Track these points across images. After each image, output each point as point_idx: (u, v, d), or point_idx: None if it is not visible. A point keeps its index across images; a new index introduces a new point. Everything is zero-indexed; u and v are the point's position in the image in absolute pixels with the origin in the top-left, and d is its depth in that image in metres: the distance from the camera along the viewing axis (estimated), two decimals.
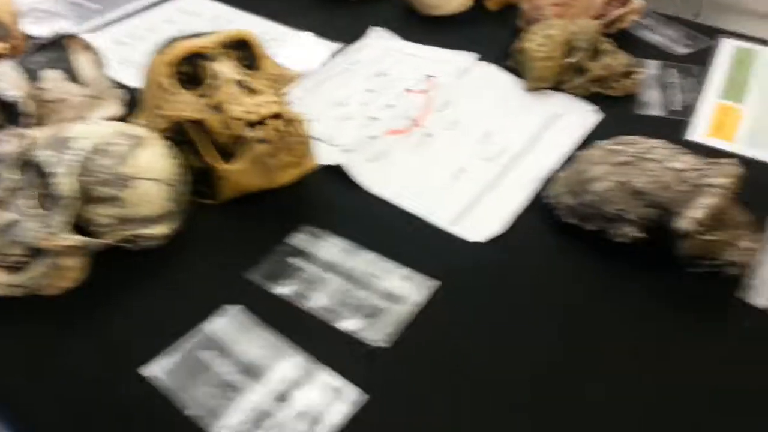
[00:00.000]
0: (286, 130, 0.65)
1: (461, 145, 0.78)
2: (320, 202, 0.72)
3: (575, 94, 0.87)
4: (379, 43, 0.97)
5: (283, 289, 0.62)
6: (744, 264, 0.60)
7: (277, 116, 0.65)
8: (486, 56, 0.93)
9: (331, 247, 0.66)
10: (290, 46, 0.97)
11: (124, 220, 0.61)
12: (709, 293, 0.61)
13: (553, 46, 0.85)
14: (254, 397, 0.53)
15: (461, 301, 0.61)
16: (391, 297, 0.61)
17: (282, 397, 0.53)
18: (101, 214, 0.60)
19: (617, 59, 0.86)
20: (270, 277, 0.63)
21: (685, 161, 0.59)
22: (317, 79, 0.90)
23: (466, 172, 0.75)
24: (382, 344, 0.57)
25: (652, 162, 0.60)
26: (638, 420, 0.51)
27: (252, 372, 0.55)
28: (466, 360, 0.56)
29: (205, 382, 0.54)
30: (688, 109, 0.84)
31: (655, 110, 0.84)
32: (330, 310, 0.60)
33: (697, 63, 0.93)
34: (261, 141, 0.64)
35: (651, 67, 0.91)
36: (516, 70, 0.90)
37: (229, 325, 0.58)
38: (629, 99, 0.86)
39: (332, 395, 0.53)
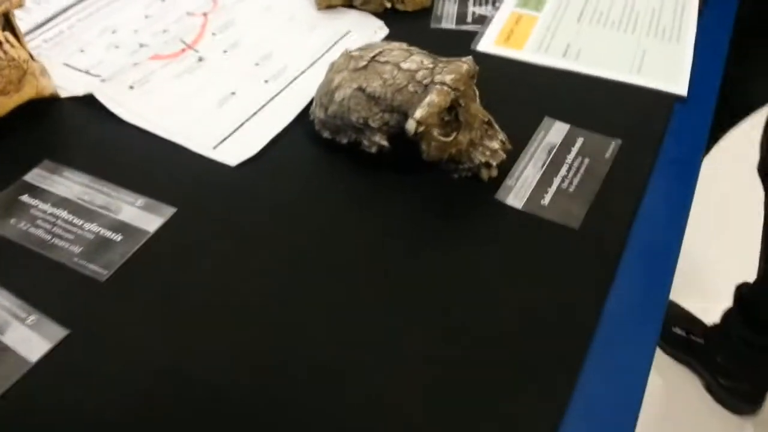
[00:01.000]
0: None
1: (236, 68, 0.73)
2: (66, 135, 0.66)
3: (368, 11, 0.83)
4: None
5: (6, 229, 0.56)
6: (494, 164, 0.58)
7: None
8: None
9: (68, 183, 0.60)
10: None
11: None
12: (469, 197, 0.59)
13: None
14: None
15: (196, 227, 0.57)
16: (123, 228, 0.56)
17: None
18: None
19: None
20: None
21: (417, 61, 0.56)
22: (92, 7, 0.83)
23: (236, 95, 0.70)
24: (97, 277, 0.52)
25: (387, 65, 0.56)
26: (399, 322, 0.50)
27: None
28: (185, 290, 0.52)
29: None
30: (482, 20, 0.82)
31: (447, 23, 0.82)
32: (49, 245, 0.55)
33: None
34: None
35: None
36: None
37: None
38: (425, 13, 0.83)
39: (31, 331, 0.49)
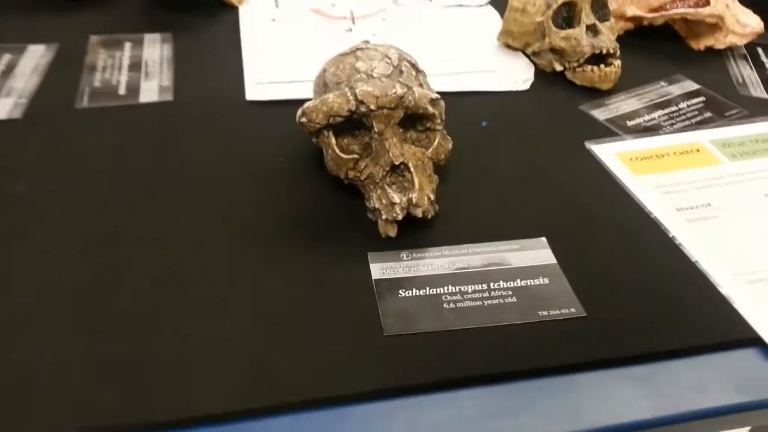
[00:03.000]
0: None
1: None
2: None
3: (536, 63, 0.71)
4: None
5: None
6: (387, 219, 0.45)
7: None
8: None
9: None
10: None
11: None
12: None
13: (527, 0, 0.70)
14: None
15: None
16: None
17: None
18: None
19: (599, 38, 0.66)
20: None
21: (380, 64, 0.46)
22: None
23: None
24: None
25: (356, 58, 0.48)
26: None
27: None
28: None
29: None
30: None
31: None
32: None
33: None
34: None
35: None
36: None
37: None
38: (586, 92, 0.67)
39: None
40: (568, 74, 0.68)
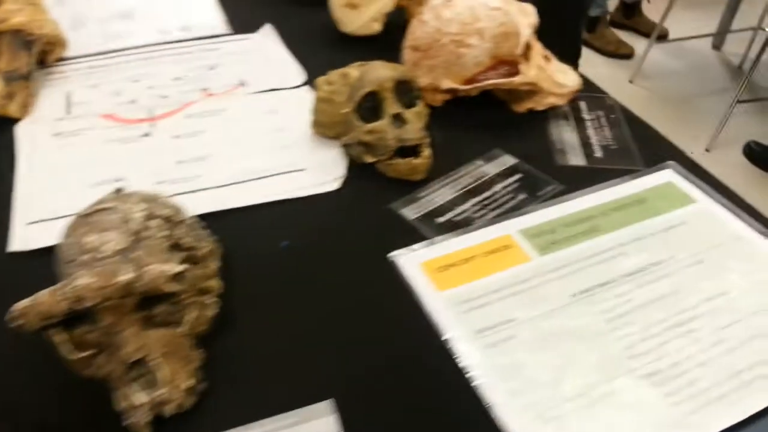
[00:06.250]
0: None
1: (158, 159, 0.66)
2: None
3: (349, 155, 0.67)
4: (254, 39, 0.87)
5: None
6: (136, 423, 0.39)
7: None
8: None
9: None
10: None
11: None
12: None
13: (341, 88, 0.66)
14: None
15: None
16: None
17: None
18: None
19: (405, 129, 0.62)
20: None
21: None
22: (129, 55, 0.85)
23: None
24: None
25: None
26: None
27: None
28: None
29: None
30: None
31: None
32: None
33: None
34: None
35: None
36: None
37: None
38: (401, 185, 0.63)
39: None
40: (380, 167, 0.64)
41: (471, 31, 0.68)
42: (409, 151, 0.63)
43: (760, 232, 0.58)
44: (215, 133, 0.70)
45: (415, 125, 0.63)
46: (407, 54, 0.72)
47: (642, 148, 0.69)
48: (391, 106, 0.63)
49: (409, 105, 0.64)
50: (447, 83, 0.71)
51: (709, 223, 0.59)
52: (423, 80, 0.72)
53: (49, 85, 0.78)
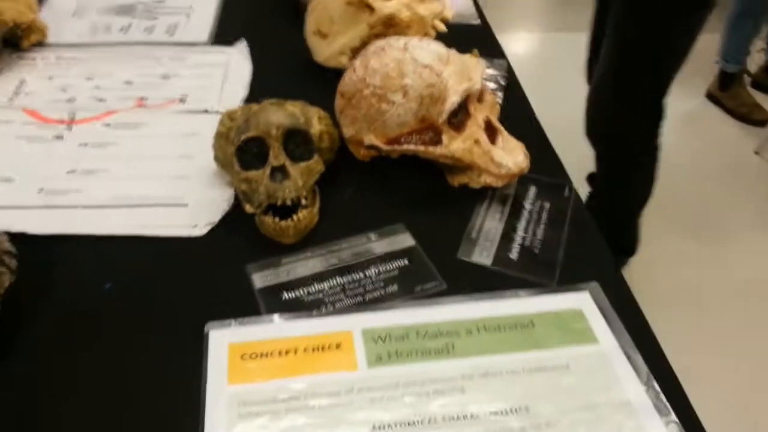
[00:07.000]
0: None
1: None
2: None
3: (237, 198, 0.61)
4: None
5: None
6: None
7: None
8: None
9: None
10: None
11: None
12: None
13: (232, 125, 0.60)
14: None
15: None
16: None
17: None
18: None
19: (284, 185, 0.55)
20: None
21: None
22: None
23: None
24: None
25: None
26: None
27: None
28: None
29: None
30: None
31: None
32: None
33: None
34: None
35: None
36: None
37: None
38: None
39: None
40: (257, 219, 0.58)
41: (395, 86, 0.60)
42: (286, 209, 0.56)
43: (656, 405, 0.45)
44: (121, 148, 0.66)
45: (296, 182, 0.56)
46: (337, 99, 0.65)
47: (572, 258, 0.57)
48: (276, 157, 0.56)
49: (300, 158, 0.58)
50: (370, 139, 0.63)
51: (598, 376, 0.47)
52: (347, 130, 0.64)
53: (9, 70, 0.79)
